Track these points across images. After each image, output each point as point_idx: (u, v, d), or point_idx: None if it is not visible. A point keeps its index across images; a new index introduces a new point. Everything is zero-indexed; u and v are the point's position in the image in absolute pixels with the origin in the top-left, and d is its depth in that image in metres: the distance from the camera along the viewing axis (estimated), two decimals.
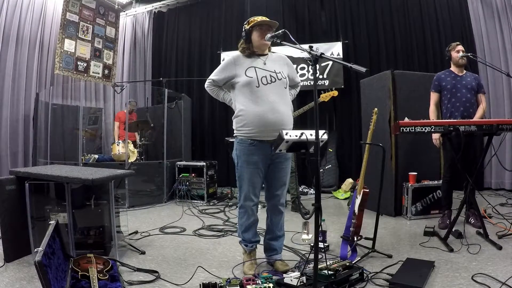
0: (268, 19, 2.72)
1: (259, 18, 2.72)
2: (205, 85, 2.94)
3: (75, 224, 3.09)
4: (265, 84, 2.66)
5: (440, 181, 4.45)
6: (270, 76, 2.69)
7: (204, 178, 6.20)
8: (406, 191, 4.51)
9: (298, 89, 3.15)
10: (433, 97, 4.20)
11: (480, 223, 3.50)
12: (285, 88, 2.77)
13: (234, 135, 2.80)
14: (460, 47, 4.09)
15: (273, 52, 2.92)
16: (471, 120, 3.57)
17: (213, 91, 2.92)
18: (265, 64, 2.75)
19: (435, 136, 4.17)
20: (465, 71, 4.14)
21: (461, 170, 3.53)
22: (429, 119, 4.06)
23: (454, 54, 4.09)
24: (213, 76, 2.87)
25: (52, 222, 2.32)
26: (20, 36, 7.20)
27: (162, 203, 6.11)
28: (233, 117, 2.81)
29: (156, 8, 9.51)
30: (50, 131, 6.74)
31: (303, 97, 6.64)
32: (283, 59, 2.91)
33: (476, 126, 3.22)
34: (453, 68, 4.17)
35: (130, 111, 7.32)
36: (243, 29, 2.78)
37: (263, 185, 2.89)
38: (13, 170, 3.16)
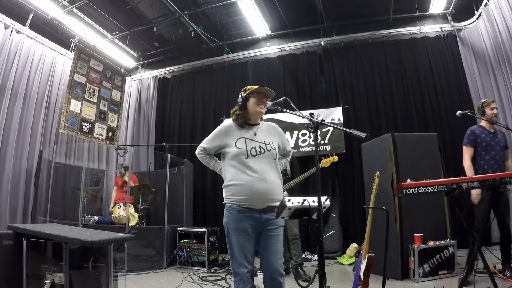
0: (266, 88, 2.76)
1: (256, 86, 2.78)
2: (196, 152, 2.94)
3: (72, 285, 2.98)
4: (254, 155, 2.66)
5: (447, 241, 4.49)
6: (260, 147, 2.69)
7: (205, 244, 6.08)
8: (412, 253, 4.40)
9: (289, 158, 3.13)
10: (469, 151, 4.22)
11: (490, 278, 3.39)
12: (274, 159, 2.74)
13: (223, 202, 2.76)
14: (495, 105, 4.22)
15: (264, 121, 2.93)
16: (474, 176, 3.57)
17: (204, 159, 2.93)
18: (255, 135, 2.75)
19: (476, 192, 3.99)
20: (495, 128, 4.24)
21: (466, 227, 3.48)
22: (466, 173, 4.04)
23: (488, 111, 4.20)
24: (204, 144, 2.87)
25: (48, 281, 2.26)
26: (28, 93, 7.42)
27: (161, 268, 5.94)
28: (223, 185, 2.78)
29: (161, 74, 9.91)
30: (52, 189, 6.73)
31: (305, 163, 6.70)
32: (273, 128, 2.92)
33: (479, 182, 3.20)
34: (484, 124, 4.26)
35: (122, 174, 7.50)
36: (240, 96, 2.81)
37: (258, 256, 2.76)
38: (11, 225, 3.11)
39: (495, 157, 4.06)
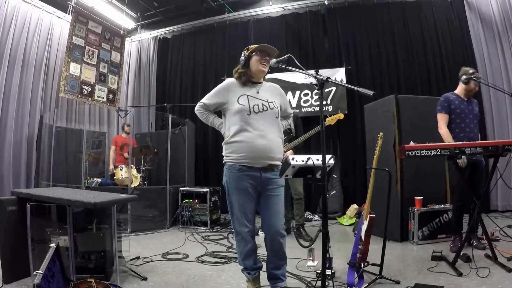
0: (268, 45, 2.71)
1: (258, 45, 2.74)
2: (195, 108, 2.91)
3: (76, 247, 3.04)
4: (256, 112, 2.64)
5: (447, 205, 4.46)
6: (262, 104, 2.67)
7: (207, 204, 6.14)
8: (412, 216, 4.44)
9: (290, 120, 3.12)
10: (444, 118, 4.06)
11: (489, 245, 3.44)
12: (277, 118, 2.73)
13: (223, 161, 2.76)
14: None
15: (267, 81, 2.91)
16: (476, 142, 3.55)
17: (203, 115, 2.89)
18: (258, 92, 2.72)
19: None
20: (469, 96, 4.14)
21: (467, 192, 3.50)
22: (445, 141, 3.91)
23: (472, 85, 4.03)
24: (205, 100, 2.84)
25: (53, 245, 2.28)
26: (26, 58, 7.34)
27: (164, 228, 6.03)
28: (223, 143, 2.78)
29: (161, 34, 9.72)
30: (53, 154, 6.76)
31: (307, 122, 6.63)
32: (276, 88, 2.90)
33: (482, 148, 3.19)
34: (460, 92, 4.12)
35: (128, 133, 7.51)
36: (242, 55, 2.77)
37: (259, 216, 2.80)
38: (14, 191, 3.12)
39: (469, 125, 3.98)
